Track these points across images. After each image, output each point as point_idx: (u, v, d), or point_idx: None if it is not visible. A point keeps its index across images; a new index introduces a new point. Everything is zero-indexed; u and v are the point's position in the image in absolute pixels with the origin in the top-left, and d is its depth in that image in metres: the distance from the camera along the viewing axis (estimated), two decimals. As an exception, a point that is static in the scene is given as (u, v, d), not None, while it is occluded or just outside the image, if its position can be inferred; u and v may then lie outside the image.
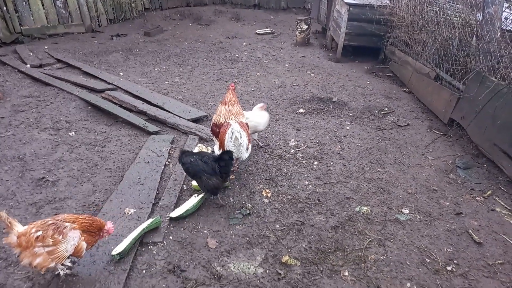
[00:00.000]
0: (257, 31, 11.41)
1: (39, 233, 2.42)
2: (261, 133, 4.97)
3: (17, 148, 4.48)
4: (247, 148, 3.92)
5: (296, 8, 14.96)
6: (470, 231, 3.48)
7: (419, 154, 4.83)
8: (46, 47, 8.51)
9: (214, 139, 4.17)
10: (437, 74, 6.15)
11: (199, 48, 9.45)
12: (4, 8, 8.59)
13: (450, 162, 4.65)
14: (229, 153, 3.50)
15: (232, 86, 4.18)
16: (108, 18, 11.12)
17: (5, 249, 3.01)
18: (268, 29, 11.66)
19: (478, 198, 3.97)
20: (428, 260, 3.14)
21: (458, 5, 5.99)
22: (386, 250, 3.23)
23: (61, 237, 2.45)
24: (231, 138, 3.67)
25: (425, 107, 6.20)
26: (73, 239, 2.50)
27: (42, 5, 9.34)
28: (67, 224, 2.51)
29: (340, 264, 3.08)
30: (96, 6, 10.56)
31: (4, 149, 4.43)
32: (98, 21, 10.73)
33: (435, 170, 4.48)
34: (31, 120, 5.15)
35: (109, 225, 2.78)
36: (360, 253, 3.19)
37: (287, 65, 8.37)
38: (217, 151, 3.96)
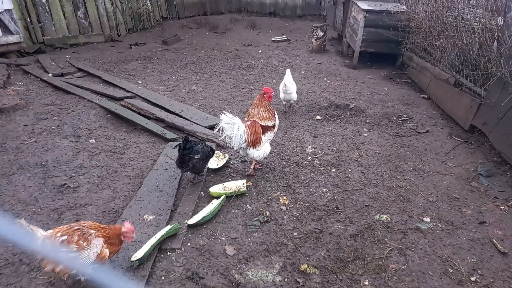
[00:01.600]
0: (272, 39, 11.47)
1: (64, 237, 2.45)
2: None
3: (39, 155, 4.59)
4: (253, 147, 4.05)
5: (311, 15, 14.97)
6: (494, 240, 3.38)
7: (440, 161, 4.73)
8: (67, 56, 8.74)
9: None
10: (456, 80, 6.05)
11: (216, 56, 9.54)
12: (28, 18, 8.88)
13: (472, 169, 4.54)
14: (186, 138, 3.80)
15: (264, 90, 4.29)
16: (127, 27, 11.36)
17: (28, 254, 3.07)
18: (284, 36, 11.70)
19: (502, 207, 3.86)
20: (451, 270, 3.06)
21: (478, 10, 5.89)
22: (407, 260, 3.17)
23: (85, 243, 2.48)
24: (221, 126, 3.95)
25: (445, 114, 6.09)
26: (96, 246, 2.53)
27: (64, 15, 9.62)
28: (92, 231, 2.55)
29: (360, 273, 3.03)
30: (116, 16, 10.81)
31: (27, 156, 4.54)
32: (117, 31, 10.97)
33: (457, 177, 4.39)
34: (53, 127, 5.27)
35: (126, 226, 2.77)
36: (380, 262, 3.13)
37: (303, 72, 8.36)
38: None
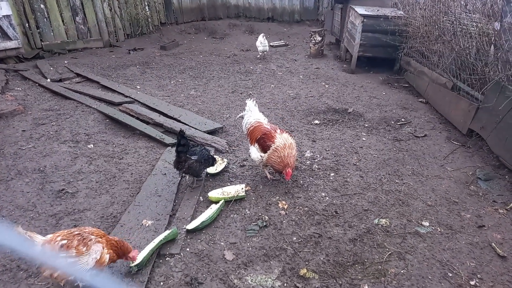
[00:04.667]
0: (271, 44, 11.50)
1: (64, 242, 2.44)
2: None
3: (37, 160, 4.58)
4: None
5: (309, 20, 15.05)
6: (493, 244, 3.38)
7: (438, 165, 4.74)
8: (65, 61, 8.75)
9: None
10: (454, 84, 6.08)
11: (214, 61, 9.57)
12: (26, 24, 8.90)
13: (470, 173, 4.55)
14: (181, 131, 3.86)
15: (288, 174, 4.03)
16: (125, 33, 11.39)
17: (26, 260, 3.05)
18: (282, 41, 11.75)
19: (500, 211, 3.86)
20: (450, 274, 3.06)
21: (475, 15, 5.93)
22: (406, 264, 3.16)
23: (84, 249, 2.47)
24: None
25: (443, 118, 6.11)
26: (95, 252, 2.51)
27: (62, 21, 9.65)
28: (92, 236, 2.54)
29: (359, 277, 3.02)
30: (114, 22, 10.84)
31: (25, 162, 4.53)
32: (116, 36, 11.00)
33: (455, 181, 4.39)
34: (51, 133, 5.27)
35: (133, 253, 2.83)
36: (379, 267, 3.12)
37: (301, 76, 8.39)
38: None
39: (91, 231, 2.61)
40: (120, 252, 2.74)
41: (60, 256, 2.43)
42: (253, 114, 4.40)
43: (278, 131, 4.14)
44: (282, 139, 4.01)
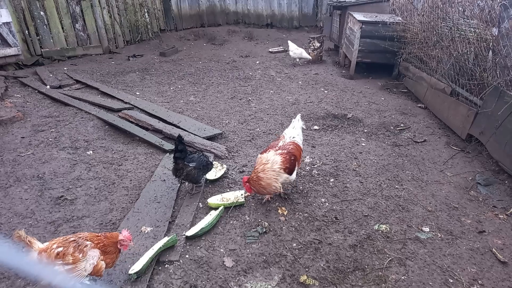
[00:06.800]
0: (270, 50, 11.55)
1: (60, 249, 2.43)
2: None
3: (36, 167, 4.57)
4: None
5: (308, 26, 15.11)
6: (494, 250, 3.37)
7: (438, 170, 4.74)
8: (65, 68, 8.77)
9: None
10: (453, 89, 6.09)
11: (213, 67, 9.60)
12: (26, 31, 8.94)
13: (470, 178, 4.54)
14: (179, 137, 3.87)
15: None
16: (125, 39, 11.42)
17: (23, 274, 3.03)
18: (281, 47, 11.78)
19: (500, 216, 3.85)
20: (451, 280, 3.04)
21: (472, 21, 5.96)
22: (407, 270, 3.14)
23: (81, 255, 2.45)
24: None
25: (442, 123, 6.12)
26: (92, 258, 2.50)
27: (62, 28, 9.69)
28: (88, 242, 2.52)
29: (360, 284, 3.00)
30: (114, 28, 10.88)
31: (24, 168, 4.52)
32: (115, 43, 11.04)
33: (455, 187, 4.38)
34: (50, 139, 5.26)
35: (124, 234, 2.76)
36: (380, 273, 3.11)
37: (300, 82, 8.41)
38: None
39: (85, 236, 2.59)
40: (111, 245, 2.68)
41: (57, 264, 2.41)
42: (288, 128, 4.31)
43: (279, 151, 3.85)
44: (267, 157, 3.79)
